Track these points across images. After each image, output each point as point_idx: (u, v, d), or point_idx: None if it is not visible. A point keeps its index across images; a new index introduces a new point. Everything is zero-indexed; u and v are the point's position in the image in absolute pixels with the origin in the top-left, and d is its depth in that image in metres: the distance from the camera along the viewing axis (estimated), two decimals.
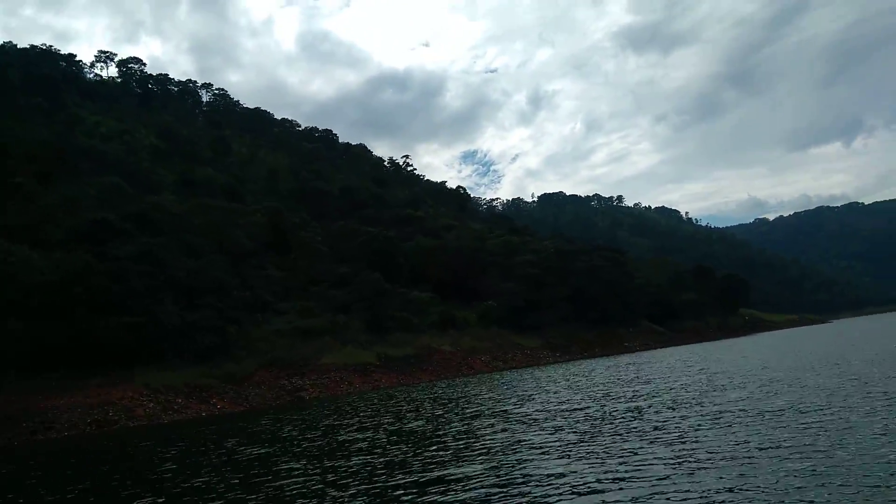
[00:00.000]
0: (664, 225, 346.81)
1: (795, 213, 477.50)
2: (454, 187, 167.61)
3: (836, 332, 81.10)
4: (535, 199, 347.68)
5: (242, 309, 64.76)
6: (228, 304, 62.86)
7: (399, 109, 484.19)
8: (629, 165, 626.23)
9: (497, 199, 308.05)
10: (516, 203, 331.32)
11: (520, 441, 17.51)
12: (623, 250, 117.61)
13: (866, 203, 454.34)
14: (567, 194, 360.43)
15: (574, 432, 18.10)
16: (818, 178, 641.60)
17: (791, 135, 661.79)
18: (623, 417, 20.31)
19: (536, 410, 25.70)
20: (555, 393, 32.63)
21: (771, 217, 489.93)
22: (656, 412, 20.72)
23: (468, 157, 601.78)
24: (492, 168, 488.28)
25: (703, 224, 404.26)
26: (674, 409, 20.99)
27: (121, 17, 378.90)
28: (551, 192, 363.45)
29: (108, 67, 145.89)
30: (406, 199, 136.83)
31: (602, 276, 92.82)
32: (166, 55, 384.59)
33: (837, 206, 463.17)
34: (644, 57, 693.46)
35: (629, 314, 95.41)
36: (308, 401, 53.92)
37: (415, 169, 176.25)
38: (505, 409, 27.67)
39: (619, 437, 16.21)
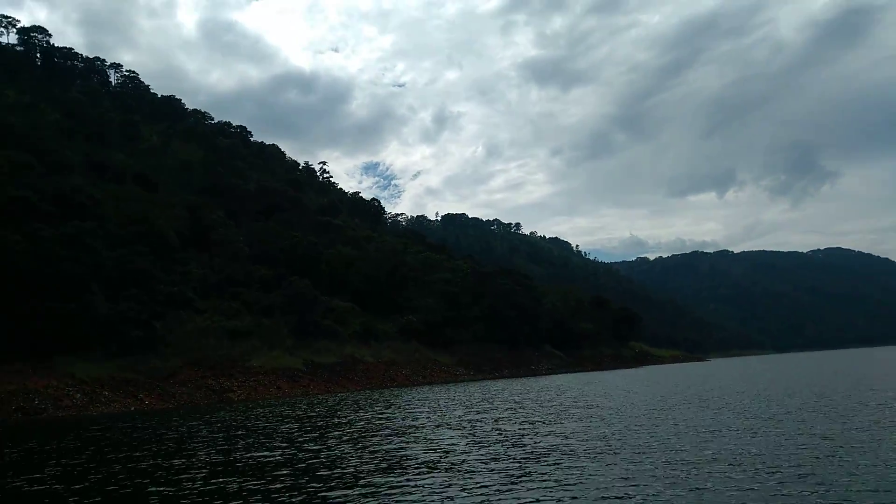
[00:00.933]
0: (557, 255, 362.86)
1: (672, 254, 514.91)
2: (369, 199, 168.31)
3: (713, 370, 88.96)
4: (439, 218, 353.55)
5: (166, 304, 62.93)
6: (153, 297, 61.00)
7: (302, 112, 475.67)
8: (525, 194, 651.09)
9: (402, 214, 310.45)
10: (420, 220, 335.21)
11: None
12: (530, 277, 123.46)
13: (735, 251, 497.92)
14: (469, 216, 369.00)
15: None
16: (693, 223, 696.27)
17: (671, 181, 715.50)
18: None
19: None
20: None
21: (650, 256, 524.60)
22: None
23: (370, 168, 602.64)
24: (393, 182, 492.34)
25: (591, 258, 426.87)
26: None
27: None
28: (454, 212, 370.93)
29: (7, 34, 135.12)
30: (322, 206, 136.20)
31: (514, 299, 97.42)
32: (52, 25, 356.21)
33: (709, 252, 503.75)
34: (546, 90, 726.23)
35: (535, 338, 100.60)
36: (235, 402, 53.50)
37: (330, 176, 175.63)
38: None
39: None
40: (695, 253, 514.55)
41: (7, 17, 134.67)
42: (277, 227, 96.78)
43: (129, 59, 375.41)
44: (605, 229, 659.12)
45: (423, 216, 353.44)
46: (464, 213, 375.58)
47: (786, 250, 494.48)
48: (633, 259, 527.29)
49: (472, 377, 79.89)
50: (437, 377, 76.48)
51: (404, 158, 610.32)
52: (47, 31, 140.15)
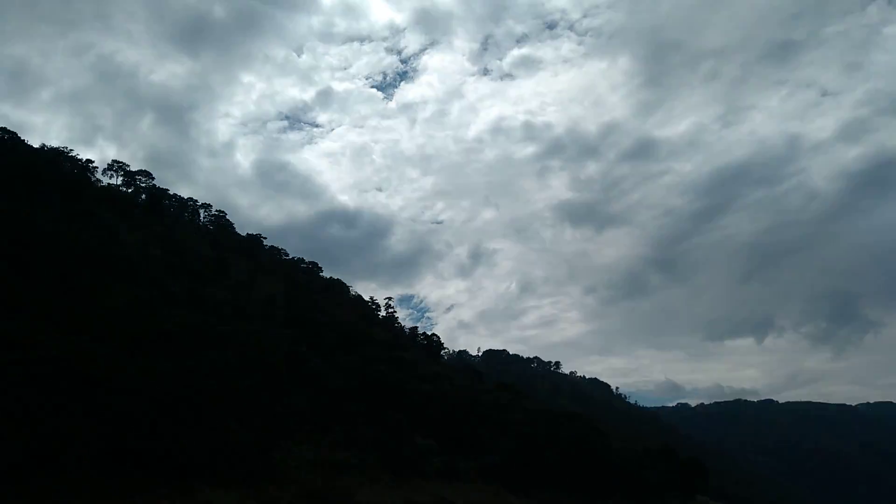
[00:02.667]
0: (598, 398, 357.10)
1: (715, 401, 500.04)
2: (430, 333, 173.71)
3: None
4: (480, 353, 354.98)
5: (277, 434, 66.77)
6: (270, 429, 65.06)
7: (344, 245, 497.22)
8: (557, 332, 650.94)
9: (445, 349, 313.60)
10: (462, 355, 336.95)
11: None
12: (597, 423, 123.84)
13: (779, 401, 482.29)
14: (510, 353, 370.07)
15: None
16: (731, 369, 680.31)
17: (708, 324, 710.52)
18: None
19: None
20: None
21: (689, 402, 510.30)
22: None
23: (404, 300, 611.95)
24: (426, 315, 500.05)
25: (632, 401, 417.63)
26: None
27: (81, 119, 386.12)
28: (494, 348, 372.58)
29: (116, 176, 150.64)
30: (388, 341, 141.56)
31: (587, 445, 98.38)
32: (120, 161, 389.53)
33: (753, 401, 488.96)
34: (580, 231, 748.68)
35: (606, 486, 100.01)
36: None
37: (394, 311, 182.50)
38: None
39: None
40: (738, 401, 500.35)
41: (119, 161, 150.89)
42: (360, 361, 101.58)
43: (185, 195, 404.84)
44: (639, 371, 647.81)
45: (464, 351, 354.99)
46: (504, 350, 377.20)
47: (832, 402, 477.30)
48: (674, 404, 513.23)
49: None
50: None
51: (439, 292, 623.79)
52: (151, 174, 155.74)
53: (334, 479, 65.28)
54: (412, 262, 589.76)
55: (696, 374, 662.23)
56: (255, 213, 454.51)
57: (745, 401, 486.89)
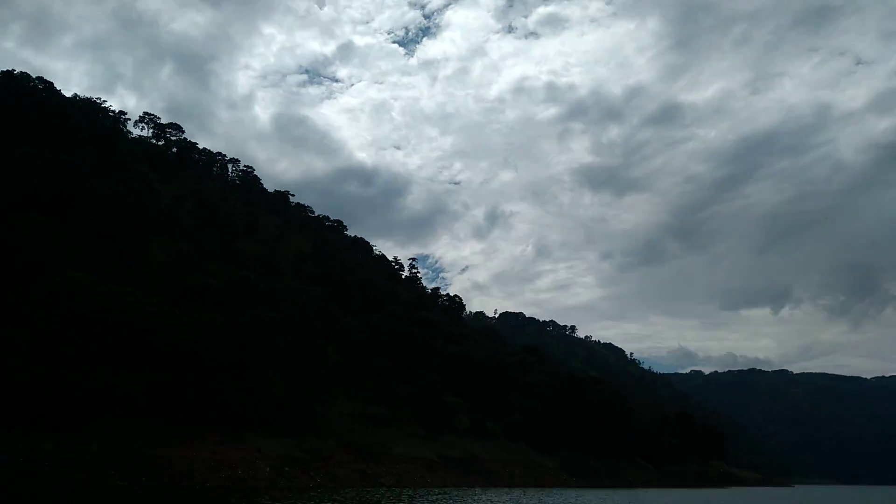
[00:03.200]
0: (613, 363, 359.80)
1: (728, 370, 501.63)
2: (451, 295, 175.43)
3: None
4: (496, 315, 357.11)
5: (316, 389, 69.10)
6: (306, 382, 67.33)
7: (360, 202, 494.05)
8: (572, 296, 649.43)
9: (465, 312, 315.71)
10: (479, 316, 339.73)
11: None
12: (619, 388, 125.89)
13: (793, 372, 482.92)
14: (526, 316, 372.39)
15: None
16: (745, 338, 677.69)
17: (725, 293, 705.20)
18: None
19: None
20: None
21: (701, 369, 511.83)
22: None
23: (420, 260, 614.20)
24: (440, 275, 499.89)
25: (646, 367, 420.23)
26: None
27: (101, 67, 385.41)
28: (511, 311, 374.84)
29: (147, 129, 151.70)
30: (412, 301, 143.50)
31: (609, 408, 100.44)
32: (138, 110, 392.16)
33: (767, 371, 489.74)
34: (599, 195, 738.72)
35: (627, 449, 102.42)
36: (386, 486, 58.12)
37: (417, 272, 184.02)
38: None
39: None
40: (752, 370, 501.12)
41: (150, 114, 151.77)
42: (388, 320, 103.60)
43: (201, 147, 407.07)
44: (653, 337, 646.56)
45: (481, 312, 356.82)
46: (521, 312, 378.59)
47: (846, 374, 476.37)
48: (687, 371, 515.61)
49: (577, 484, 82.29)
50: (547, 481, 79.23)
51: (454, 253, 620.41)
52: (180, 127, 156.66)
53: (371, 432, 67.77)
54: (428, 221, 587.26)
55: (709, 342, 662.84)
56: (273, 167, 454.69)
57: (759, 370, 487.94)
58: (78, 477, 42.93)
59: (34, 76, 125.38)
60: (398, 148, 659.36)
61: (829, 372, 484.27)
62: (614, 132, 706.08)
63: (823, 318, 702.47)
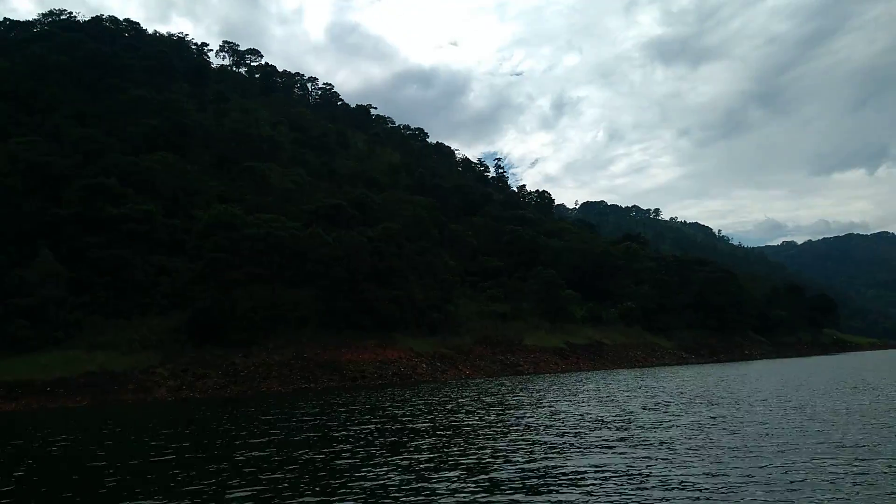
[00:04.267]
0: (701, 242, 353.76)
1: (824, 238, 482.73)
2: (541, 191, 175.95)
3: None
4: (577, 205, 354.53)
5: (445, 291, 73.41)
6: (437, 286, 71.58)
7: (422, 106, 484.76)
8: (648, 178, 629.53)
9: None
10: (560, 208, 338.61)
11: None
12: (727, 267, 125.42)
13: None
14: (608, 203, 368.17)
15: None
16: (838, 204, 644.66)
17: (814, 158, 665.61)
18: None
19: None
20: None
21: (794, 239, 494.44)
22: None
23: (487, 158, 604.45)
24: (510, 171, 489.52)
25: (736, 243, 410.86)
26: None
27: None
28: (592, 200, 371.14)
29: (228, 57, 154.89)
30: (505, 200, 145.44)
31: (720, 287, 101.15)
32: (197, 37, 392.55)
33: (867, 234, 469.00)
34: (672, 69, 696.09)
35: (741, 324, 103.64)
36: (525, 374, 62.59)
37: (504, 171, 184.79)
38: None
39: None
40: (849, 235, 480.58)
41: (230, 42, 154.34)
42: (490, 222, 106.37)
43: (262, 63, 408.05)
44: (737, 212, 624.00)
45: (561, 205, 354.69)
46: (602, 201, 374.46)
47: None
48: (779, 243, 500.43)
49: (695, 361, 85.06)
50: (666, 360, 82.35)
51: (522, 147, 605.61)
52: (259, 51, 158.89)
53: (501, 327, 72.09)
54: (492, 118, 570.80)
55: (799, 210, 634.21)
56: (332, 79, 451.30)
57: (858, 234, 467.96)
58: (268, 383, 49.01)
59: (121, 19, 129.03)
60: (455, 44, 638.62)
61: None
62: None
63: None
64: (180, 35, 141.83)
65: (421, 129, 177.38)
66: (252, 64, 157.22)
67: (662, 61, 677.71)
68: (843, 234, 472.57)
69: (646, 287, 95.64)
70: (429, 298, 65.96)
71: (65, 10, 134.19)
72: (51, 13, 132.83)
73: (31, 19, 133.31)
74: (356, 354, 55.30)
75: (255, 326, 52.65)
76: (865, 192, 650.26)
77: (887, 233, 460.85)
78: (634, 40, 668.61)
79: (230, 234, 55.17)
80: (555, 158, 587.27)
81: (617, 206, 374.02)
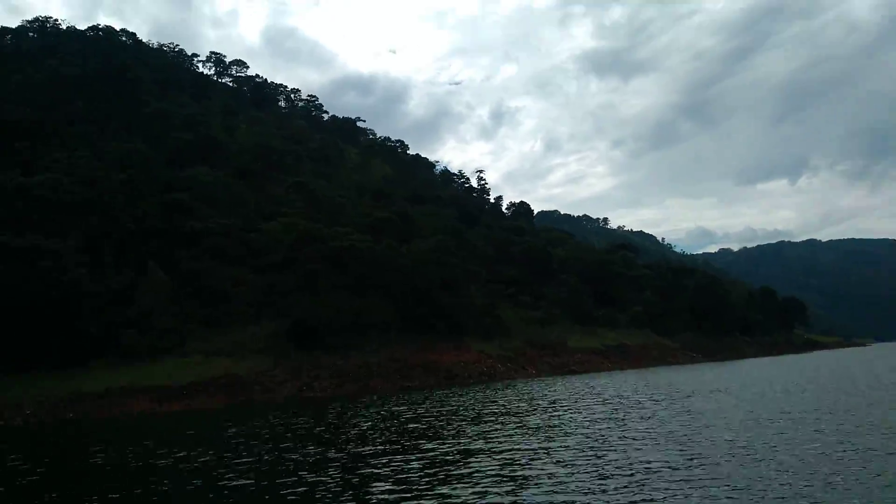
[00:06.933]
0: (652, 250, 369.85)
1: (758, 245, 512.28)
2: (518, 202, 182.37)
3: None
4: (535, 214, 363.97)
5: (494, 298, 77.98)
6: (487, 293, 76.17)
7: (361, 113, 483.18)
8: (585, 187, 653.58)
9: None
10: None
11: None
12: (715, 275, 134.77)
13: (822, 240, 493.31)
14: (561, 213, 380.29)
15: None
16: (764, 212, 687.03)
17: (740, 169, 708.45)
18: None
19: None
20: None
21: (723, 247, 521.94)
22: None
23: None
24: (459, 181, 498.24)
25: (679, 251, 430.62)
26: None
27: None
28: (546, 209, 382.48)
29: (213, 67, 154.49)
30: (494, 211, 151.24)
31: (707, 293, 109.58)
32: (217, 52, 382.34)
33: (797, 241, 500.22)
34: (605, 82, 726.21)
35: (728, 327, 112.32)
36: (579, 373, 67.67)
37: (486, 183, 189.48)
38: None
39: None
40: (780, 243, 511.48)
41: (216, 53, 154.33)
42: (500, 233, 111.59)
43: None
44: (670, 220, 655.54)
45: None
46: (556, 210, 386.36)
47: (873, 237, 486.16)
48: (716, 250, 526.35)
49: (703, 360, 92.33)
50: (680, 359, 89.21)
51: (462, 156, 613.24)
52: (244, 62, 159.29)
53: (545, 333, 77.10)
54: (433, 126, 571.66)
55: (727, 219, 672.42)
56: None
57: (788, 242, 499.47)
58: (374, 382, 52.29)
59: (118, 29, 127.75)
60: (393, 52, 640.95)
61: (854, 237, 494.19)
62: (617, 12, 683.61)
63: (842, 184, 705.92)
64: (170, 45, 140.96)
65: (401, 141, 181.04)
66: (237, 75, 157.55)
67: (596, 73, 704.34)
68: (774, 242, 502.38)
69: (648, 293, 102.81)
70: (487, 305, 70.34)
71: (49, 18, 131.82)
72: (36, 20, 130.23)
73: (14, 26, 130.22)
74: (440, 356, 59.08)
75: (348, 331, 55.78)
76: (789, 201, 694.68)
77: (815, 240, 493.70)
78: (569, 52, 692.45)
79: (318, 246, 58.13)
80: (494, 167, 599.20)
81: (570, 215, 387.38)
